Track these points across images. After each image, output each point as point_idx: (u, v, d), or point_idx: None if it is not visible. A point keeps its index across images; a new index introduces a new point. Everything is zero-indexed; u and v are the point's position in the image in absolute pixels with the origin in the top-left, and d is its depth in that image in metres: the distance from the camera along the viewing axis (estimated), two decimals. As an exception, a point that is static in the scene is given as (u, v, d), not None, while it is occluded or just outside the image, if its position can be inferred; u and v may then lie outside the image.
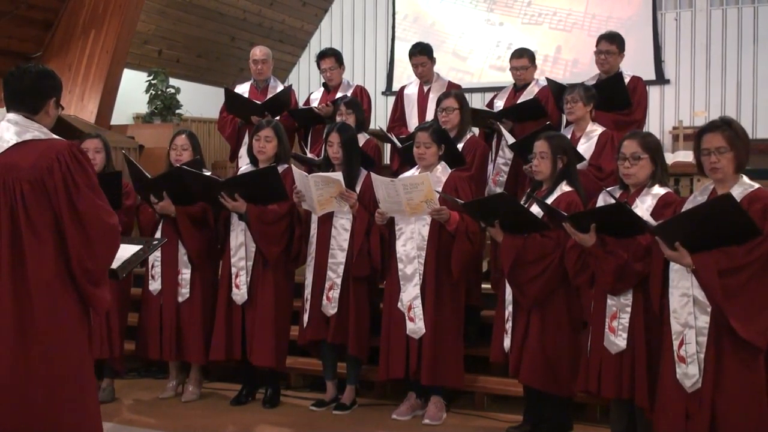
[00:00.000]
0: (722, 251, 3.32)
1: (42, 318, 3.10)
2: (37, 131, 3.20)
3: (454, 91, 5.61)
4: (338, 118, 5.65)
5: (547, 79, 5.98)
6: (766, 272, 3.31)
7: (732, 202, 3.28)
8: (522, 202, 4.46)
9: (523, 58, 6.03)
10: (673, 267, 3.50)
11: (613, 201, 3.94)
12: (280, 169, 5.11)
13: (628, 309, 3.88)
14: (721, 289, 3.30)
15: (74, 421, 3.20)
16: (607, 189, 4.16)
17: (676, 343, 3.46)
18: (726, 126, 3.46)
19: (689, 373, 3.41)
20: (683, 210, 3.54)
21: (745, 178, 3.48)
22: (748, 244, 3.29)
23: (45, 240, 3.10)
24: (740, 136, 3.45)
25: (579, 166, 4.68)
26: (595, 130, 5.12)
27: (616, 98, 5.52)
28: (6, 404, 3.09)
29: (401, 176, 4.95)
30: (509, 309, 4.46)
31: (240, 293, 5.13)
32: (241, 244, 5.13)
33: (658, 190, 3.92)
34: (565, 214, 3.97)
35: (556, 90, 5.65)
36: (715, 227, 3.31)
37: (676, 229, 3.40)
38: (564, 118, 5.57)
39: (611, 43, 5.70)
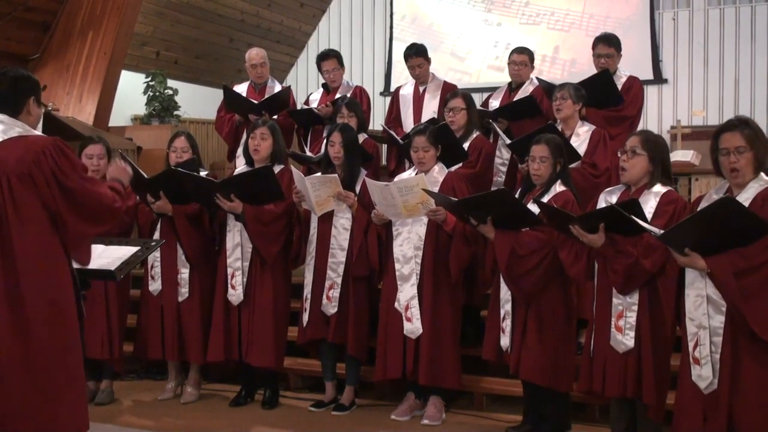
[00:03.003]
0: (737, 252, 3.23)
1: (31, 297, 3.27)
2: (20, 128, 3.39)
3: (460, 90, 5.61)
4: (339, 120, 5.64)
5: (539, 78, 6.00)
6: None
7: (733, 205, 3.20)
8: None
9: (524, 55, 6.07)
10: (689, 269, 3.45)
11: (614, 200, 3.94)
12: (277, 169, 5.11)
13: (635, 307, 3.87)
14: (738, 291, 3.21)
15: (65, 410, 3.32)
16: (608, 189, 4.17)
17: (690, 345, 3.41)
18: (744, 125, 3.38)
19: (703, 375, 3.35)
20: (699, 209, 3.49)
21: (763, 175, 3.41)
22: (761, 242, 3.21)
23: (31, 225, 3.30)
24: (759, 135, 3.38)
25: (572, 165, 4.69)
26: (585, 128, 5.13)
27: (606, 95, 5.52)
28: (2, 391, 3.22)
29: (396, 179, 4.95)
30: (506, 308, 4.46)
31: (236, 294, 5.12)
32: (237, 244, 5.13)
33: (660, 189, 3.92)
34: (574, 215, 3.96)
35: (547, 89, 5.66)
36: (724, 229, 3.23)
37: (683, 235, 3.32)
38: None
39: (609, 46, 5.70)
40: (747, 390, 3.26)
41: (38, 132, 3.47)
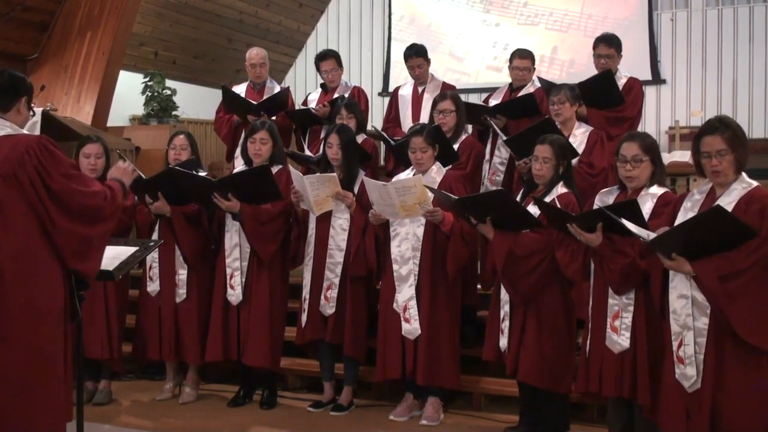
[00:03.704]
0: (722, 256, 3.29)
1: (15, 297, 3.24)
2: (8, 128, 3.37)
3: (450, 92, 5.61)
4: (338, 121, 5.63)
5: (540, 78, 5.99)
6: (766, 274, 3.28)
7: (723, 214, 3.24)
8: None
9: (527, 60, 6.03)
10: None
11: (611, 201, 3.94)
12: (275, 169, 5.11)
13: (631, 308, 3.88)
14: (723, 294, 3.26)
15: (37, 413, 3.29)
16: (605, 190, 4.17)
17: (675, 344, 3.45)
18: (725, 127, 3.41)
19: (687, 374, 3.40)
20: (682, 207, 3.54)
21: (744, 176, 3.45)
22: (746, 246, 3.26)
23: (17, 226, 3.27)
24: (739, 136, 3.42)
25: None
26: (582, 129, 5.13)
27: (607, 96, 5.52)
28: None
29: (394, 179, 4.95)
30: (505, 308, 4.46)
31: (235, 293, 5.12)
32: (235, 244, 5.13)
33: (656, 190, 3.92)
34: (572, 214, 3.96)
35: (547, 88, 5.65)
36: (711, 235, 3.29)
37: (671, 241, 3.38)
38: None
39: (609, 47, 5.69)
40: (731, 390, 3.32)
41: (24, 131, 3.44)
